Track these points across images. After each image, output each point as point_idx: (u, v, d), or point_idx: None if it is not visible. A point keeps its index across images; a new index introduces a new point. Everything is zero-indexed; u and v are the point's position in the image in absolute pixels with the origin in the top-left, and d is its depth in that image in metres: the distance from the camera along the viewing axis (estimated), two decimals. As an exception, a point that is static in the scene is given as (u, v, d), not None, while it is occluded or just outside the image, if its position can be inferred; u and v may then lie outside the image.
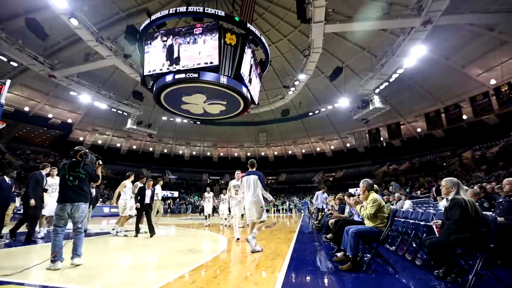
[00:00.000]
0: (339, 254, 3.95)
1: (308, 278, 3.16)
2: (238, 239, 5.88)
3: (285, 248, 4.98)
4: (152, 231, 6.61)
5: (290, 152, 35.54)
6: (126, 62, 16.73)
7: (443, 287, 2.73)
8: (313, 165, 34.05)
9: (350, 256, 3.39)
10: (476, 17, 12.71)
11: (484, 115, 17.89)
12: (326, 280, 3.11)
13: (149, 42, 10.38)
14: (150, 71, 10.40)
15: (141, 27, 10.49)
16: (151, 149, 34.07)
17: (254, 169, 5.21)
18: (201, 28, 9.91)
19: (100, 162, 3.93)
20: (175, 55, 10.02)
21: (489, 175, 14.57)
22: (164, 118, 25.91)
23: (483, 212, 2.91)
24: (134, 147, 33.08)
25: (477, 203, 3.13)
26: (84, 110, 25.86)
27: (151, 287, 2.62)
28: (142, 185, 7.06)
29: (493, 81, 17.18)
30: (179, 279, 2.94)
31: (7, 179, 6.31)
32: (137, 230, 6.89)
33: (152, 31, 10.68)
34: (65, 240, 3.41)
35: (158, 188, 8.33)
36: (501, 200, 4.15)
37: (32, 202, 5.49)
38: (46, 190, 6.06)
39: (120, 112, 22.66)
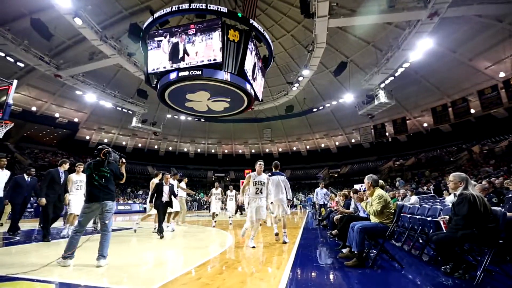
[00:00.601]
0: (344, 250, 3.94)
1: (313, 274, 3.16)
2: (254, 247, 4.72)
3: (291, 244, 4.99)
4: (161, 232, 5.88)
5: (294, 148, 35.45)
6: (130, 61, 16.83)
7: (451, 283, 2.70)
8: (318, 161, 33.92)
9: (356, 252, 3.37)
10: (485, 8, 12.39)
11: (493, 109, 17.54)
12: (331, 276, 3.11)
13: (152, 40, 10.42)
14: (154, 69, 10.46)
15: (144, 25, 10.51)
16: (156, 147, 34.35)
17: (278, 170, 5.59)
18: (204, 25, 9.89)
19: (124, 160, 3.93)
20: (179, 52, 10.04)
21: (498, 170, 14.33)
22: (169, 116, 26.06)
23: (492, 208, 2.86)
24: (140, 145, 33.39)
25: (486, 198, 3.08)
26: (90, 109, 26.17)
27: (157, 283, 2.65)
28: (158, 181, 6.67)
29: (502, 74, 16.80)
30: (185, 275, 2.97)
31: (26, 177, 6.40)
32: (161, 231, 5.92)
33: (155, 29, 10.72)
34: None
35: (182, 184, 8.15)
36: (510, 195, 4.08)
37: (43, 201, 5.21)
38: (67, 189, 5.80)
39: (125, 110, 22.87)
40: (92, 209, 3.43)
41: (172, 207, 6.71)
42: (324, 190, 9.82)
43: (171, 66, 10.10)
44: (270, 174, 5.46)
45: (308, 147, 34.64)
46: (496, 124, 19.44)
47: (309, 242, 5.64)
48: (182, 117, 25.94)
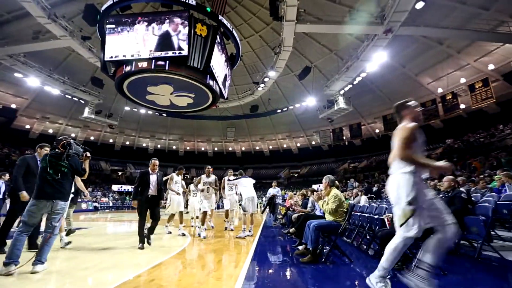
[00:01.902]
0: (300, 247, 4.11)
1: (270, 271, 3.25)
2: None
3: (249, 243, 5.05)
4: (142, 241, 4.42)
5: (257, 148, 35.89)
6: (84, 45, 15.31)
7: (391, 274, 3.00)
8: (280, 161, 34.84)
9: (311, 248, 3.55)
10: (429, 30, 14.00)
11: (432, 120, 19.92)
12: (287, 272, 3.23)
13: (111, 25, 9.62)
14: (112, 57, 9.69)
15: (103, 8, 9.66)
16: (111, 140, 31.83)
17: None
18: (170, 16, 9.46)
19: (88, 154, 3.53)
20: (141, 41, 9.45)
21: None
22: (127, 108, 24.34)
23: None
24: (92, 138, 30.57)
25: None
26: (32, 95, 23.08)
27: (107, 287, 2.46)
28: (176, 176, 5.77)
29: (440, 90, 19.15)
30: (137, 277, 2.81)
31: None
32: (142, 240, 4.48)
33: (115, 14, 9.92)
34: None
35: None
36: (441, 195, 4.67)
37: (25, 195, 3.78)
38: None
39: (76, 99, 20.75)
40: (40, 208, 2.97)
41: (158, 203, 4.83)
42: (277, 188, 9.76)
43: (132, 55, 9.46)
44: (238, 177, 6.43)
45: (270, 147, 35.37)
46: (433, 133, 22.11)
47: (268, 240, 5.76)
48: (142, 111, 24.45)
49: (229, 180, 6.93)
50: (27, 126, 25.77)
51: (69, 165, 3.18)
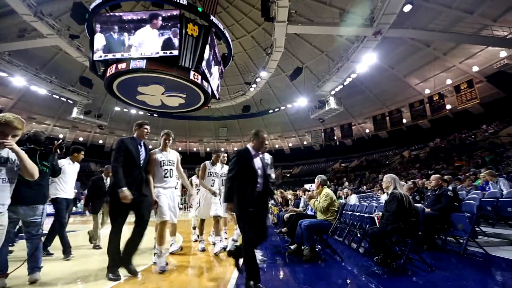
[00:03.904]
0: (292, 247, 4.15)
1: (263, 269, 3.27)
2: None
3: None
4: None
5: (250, 148, 35.87)
6: (72, 44, 14.97)
7: (380, 272, 3.08)
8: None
9: (307, 247, 3.61)
10: (417, 32, 14.35)
11: (420, 120, 20.40)
12: (280, 271, 3.26)
13: (100, 23, 9.46)
14: (101, 56, 9.52)
15: (91, 6, 9.48)
16: (101, 141, 31.19)
17: None
18: (161, 15, 9.37)
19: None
20: (131, 41, 9.33)
21: (421, 172, 16.71)
22: (117, 108, 23.93)
23: (415, 204, 3.35)
24: (81, 139, 29.89)
25: (411, 197, 3.59)
26: (18, 94, 22.38)
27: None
28: (209, 163, 4.56)
29: (427, 91, 19.64)
30: (128, 280, 2.78)
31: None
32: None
33: (104, 12, 9.75)
34: None
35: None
36: (428, 193, 4.81)
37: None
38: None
39: (64, 99, 20.23)
40: (18, 213, 2.63)
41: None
42: None
43: (122, 55, 9.33)
44: None
45: (263, 147, 35.40)
46: (421, 133, 22.65)
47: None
48: (133, 111, 24.07)
49: None
50: (12, 127, 24.95)
51: (51, 166, 3.04)
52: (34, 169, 1.91)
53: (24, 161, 1.87)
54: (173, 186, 3.62)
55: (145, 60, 9.24)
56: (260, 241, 2.78)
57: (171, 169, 3.54)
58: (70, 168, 4.22)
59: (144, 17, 9.43)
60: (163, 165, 3.48)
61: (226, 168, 4.54)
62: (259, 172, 2.79)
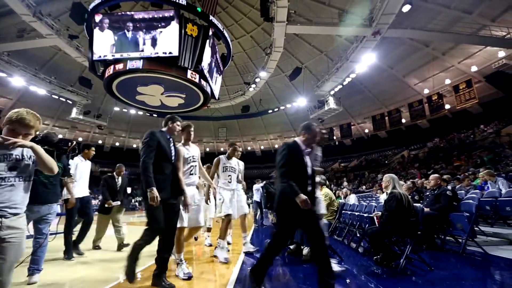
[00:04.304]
0: (291, 247, 4.16)
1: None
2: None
3: (241, 243, 5.05)
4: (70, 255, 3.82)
5: (249, 148, 35.89)
6: (71, 44, 14.95)
7: (380, 271, 3.08)
8: (271, 161, 34.45)
9: (307, 247, 3.62)
10: (415, 33, 14.38)
11: (419, 120, 20.45)
12: (278, 271, 3.27)
13: (100, 24, 9.45)
14: (100, 56, 9.52)
15: (91, 6, 9.48)
16: (100, 141, 31.15)
17: None
18: (160, 15, 9.37)
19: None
20: (130, 41, 9.32)
21: (420, 172, 16.75)
22: (116, 108, 23.89)
23: (414, 204, 3.36)
24: (80, 139, 29.79)
25: (410, 196, 3.60)
26: (17, 94, 22.34)
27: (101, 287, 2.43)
28: (224, 157, 4.12)
29: (426, 91, 19.67)
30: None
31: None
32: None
33: (104, 12, 9.74)
34: None
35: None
36: (427, 193, 4.82)
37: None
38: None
39: (63, 99, 20.19)
40: (34, 212, 2.63)
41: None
42: (259, 185, 8.74)
43: (121, 55, 9.32)
44: None
45: (262, 147, 35.44)
46: (420, 133, 22.70)
47: (259, 240, 5.79)
48: (132, 111, 24.04)
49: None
50: (11, 127, 24.91)
51: (63, 166, 3.06)
52: (52, 163, 1.78)
53: (41, 156, 1.71)
54: (195, 184, 3.33)
55: (141, 60, 9.24)
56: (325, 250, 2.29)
57: (195, 166, 3.24)
58: (83, 166, 4.20)
59: (143, 17, 9.41)
60: (190, 162, 3.18)
61: (242, 164, 4.31)
62: (309, 171, 2.46)
